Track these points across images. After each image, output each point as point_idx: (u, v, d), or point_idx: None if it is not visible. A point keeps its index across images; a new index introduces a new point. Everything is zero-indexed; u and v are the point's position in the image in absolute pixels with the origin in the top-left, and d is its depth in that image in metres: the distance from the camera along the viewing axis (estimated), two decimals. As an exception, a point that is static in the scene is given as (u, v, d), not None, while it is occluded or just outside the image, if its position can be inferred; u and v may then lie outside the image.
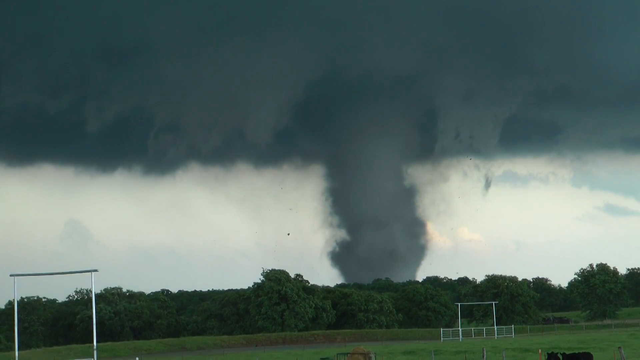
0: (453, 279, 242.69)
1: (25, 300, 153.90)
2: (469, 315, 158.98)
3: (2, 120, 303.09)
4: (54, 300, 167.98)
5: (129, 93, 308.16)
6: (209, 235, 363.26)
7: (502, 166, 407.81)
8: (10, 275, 64.36)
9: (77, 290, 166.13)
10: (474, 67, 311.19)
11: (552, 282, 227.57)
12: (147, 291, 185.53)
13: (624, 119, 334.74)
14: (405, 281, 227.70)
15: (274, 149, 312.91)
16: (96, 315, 73.49)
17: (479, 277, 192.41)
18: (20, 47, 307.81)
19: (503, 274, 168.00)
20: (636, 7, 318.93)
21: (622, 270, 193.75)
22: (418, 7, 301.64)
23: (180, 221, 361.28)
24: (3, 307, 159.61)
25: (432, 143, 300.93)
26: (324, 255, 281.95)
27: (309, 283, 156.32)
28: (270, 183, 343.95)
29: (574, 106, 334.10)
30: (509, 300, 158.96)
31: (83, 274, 67.20)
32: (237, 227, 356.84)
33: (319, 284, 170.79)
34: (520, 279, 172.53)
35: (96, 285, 65.32)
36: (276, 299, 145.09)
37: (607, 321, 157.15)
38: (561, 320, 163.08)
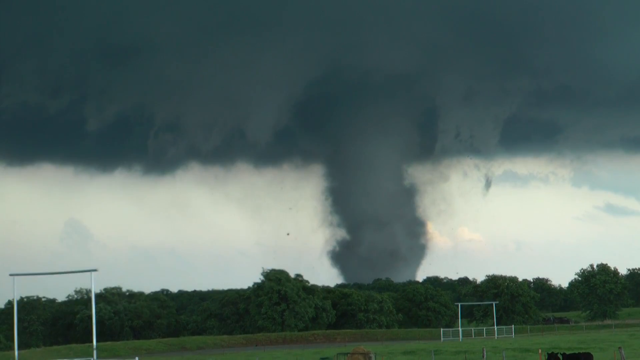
0: (453, 279, 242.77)
1: (25, 299, 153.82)
2: (469, 315, 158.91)
3: (2, 119, 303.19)
4: (54, 300, 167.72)
5: (129, 92, 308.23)
6: (209, 235, 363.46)
7: (502, 166, 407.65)
8: (10, 275, 64.40)
9: (77, 289, 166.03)
10: (474, 67, 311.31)
11: (553, 282, 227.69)
12: (147, 291, 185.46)
13: (624, 118, 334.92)
14: (405, 281, 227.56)
15: (274, 148, 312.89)
16: (96, 315, 73.45)
17: (479, 277, 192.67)
18: (20, 46, 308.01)
19: (503, 274, 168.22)
20: (636, 7, 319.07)
21: (623, 271, 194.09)
22: (418, 7, 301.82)
23: (180, 221, 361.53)
24: (3, 306, 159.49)
25: (432, 143, 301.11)
26: (324, 255, 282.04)
27: (309, 283, 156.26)
28: (270, 183, 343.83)
29: (574, 106, 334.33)
30: (509, 301, 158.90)
31: (83, 273, 67.13)
32: (237, 226, 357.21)
33: (319, 283, 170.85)
34: (520, 279, 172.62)
35: (96, 284, 65.32)
36: (276, 299, 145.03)
37: (608, 321, 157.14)
38: (561, 321, 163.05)
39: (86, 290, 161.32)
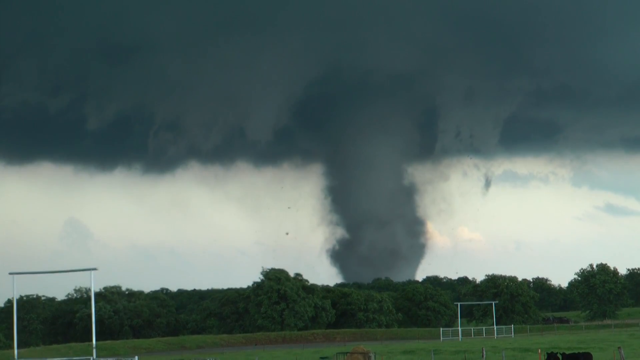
0: (453, 278, 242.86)
1: (25, 298, 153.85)
2: (469, 315, 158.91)
3: (2, 118, 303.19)
4: (53, 299, 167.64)
5: (129, 92, 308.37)
6: (209, 234, 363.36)
7: (502, 166, 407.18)
8: (10, 274, 64.39)
9: (77, 288, 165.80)
10: (474, 67, 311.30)
11: (552, 282, 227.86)
12: (147, 290, 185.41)
13: (624, 118, 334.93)
14: (405, 281, 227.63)
15: (274, 147, 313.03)
16: (95, 314, 73.44)
17: (479, 277, 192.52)
18: (20, 45, 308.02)
19: (503, 273, 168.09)
20: (636, 7, 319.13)
21: (622, 271, 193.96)
22: (418, 7, 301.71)
23: (180, 220, 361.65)
24: (2, 305, 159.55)
25: (432, 142, 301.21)
26: (324, 254, 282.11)
27: (308, 282, 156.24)
28: (270, 182, 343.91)
29: (574, 106, 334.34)
30: (508, 300, 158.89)
31: (82, 272, 67.11)
32: (236, 226, 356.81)
33: (319, 283, 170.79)
34: (520, 278, 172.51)
35: (95, 283, 65.28)
36: (276, 298, 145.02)
37: (607, 321, 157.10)
38: (561, 320, 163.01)
39: (86, 289, 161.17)
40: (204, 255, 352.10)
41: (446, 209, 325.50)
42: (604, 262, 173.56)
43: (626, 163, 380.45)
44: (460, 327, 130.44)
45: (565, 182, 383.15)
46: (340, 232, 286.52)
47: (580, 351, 64.24)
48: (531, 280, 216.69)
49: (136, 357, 66.23)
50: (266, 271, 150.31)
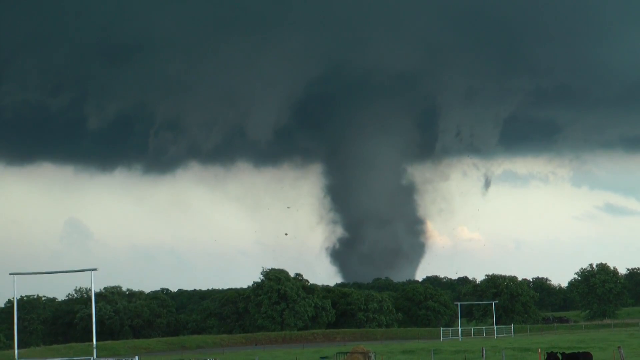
0: (453, 278, 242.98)
1: (25, 298, 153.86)
2: (469, 314, 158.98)
3: (3, 118, 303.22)
4: (54, 299, 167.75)
5: (130, 91, 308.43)
6: (209, 234, 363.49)
7: (502, 165, 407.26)
8: (10, 274, 64.41)
9: (77, 288, 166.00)
10: (474, 66, 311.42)
11: (552, 282, 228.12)
12: (147, 290, 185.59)
13: (623, 118, 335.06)
14: (405, 280, 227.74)
15: (274, 147, 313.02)
16: (96, 314, 73.52)
17: (479, 277, 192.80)
18: (21, 44, 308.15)
19: (503, 273, 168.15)
20: (636, 7, 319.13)
21: (622, 270, 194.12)
22: (419, 6, 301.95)
23: (180, 220, 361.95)
24: (3, 305, 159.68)
25: (432, 142, 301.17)
26: (324, 254, 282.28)
27: (308, 282, 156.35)
28: (270, 181, 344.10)
29: (573, 105, 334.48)
30: (508, 300, 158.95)
31: (83, 272, 67.16)
32: (236, 226, 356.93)
33: (318, 282, 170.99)
34: (520, 278, 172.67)
35: (96, 284, 65.38)
36: (276, 298, 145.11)
37: (607, 321, 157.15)
38: (561, 320, 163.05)
39: (86, 289, 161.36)
40: (204, 255, 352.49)
41: (446, 208, 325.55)
42: (603, 262, 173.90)
43: (626, 163, 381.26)
44: (460, 326, 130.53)
45: (565, 182, 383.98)
46: (340, 232, 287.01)
47: (580, 351, 64.26)
48: (531, 280, 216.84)
49: (136, 357, 66.27)
50: (266, 271, 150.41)
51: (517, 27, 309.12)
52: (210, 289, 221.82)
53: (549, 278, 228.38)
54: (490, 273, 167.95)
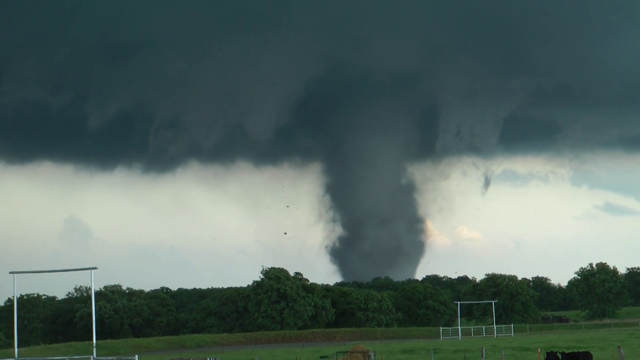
0: (452, 277, 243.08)
1: (25, 297, 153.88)
2: (469, 314, 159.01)
3: (3, 116, 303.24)
4: (54, 298, 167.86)
5: (130, 90, 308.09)
6: (209, 233, 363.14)
7: (501, 165, 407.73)
8: (10, 273, 64.40)
9: (77, 287, 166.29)
10: (475, 66, 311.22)
11: (552, 281, 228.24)
12: (147, 289, 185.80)
13: (623, 118, 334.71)
14: (404, 280, 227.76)
15: (274, 146, 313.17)
16: (96, 313, 73.52)
17: (479, 276, 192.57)
18: (21, 43, 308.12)
19: (502, 272, 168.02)
20: (636, 7, 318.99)
21: (622, 270, 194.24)
22: (419, 5, 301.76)
23: (180, 219, 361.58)
24: (2, 304, 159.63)
25: (433, 141, 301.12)
26: (324, 253, 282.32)
27: (308, 281, 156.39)
28: (270, 181, 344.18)
29: (573, 105, 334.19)
30: (508, 299, 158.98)
31: (83, 271, 67.16)
32: (236, 225, 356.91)
33: (318, 281, 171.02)
34: (519, 277, 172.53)
35: (96, 282, 65.35)
36: (275, 297, 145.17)
37: (607, 320, 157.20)
38: (560, 320, 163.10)
39: (86, 288, 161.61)
40: (204, 254, 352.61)
41: (446, 207, 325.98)
42: (603, 262, 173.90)
43: (625, 162, 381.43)
44: (460, 326, 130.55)
45: (565, 182, 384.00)
46: (340, 231, 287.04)
47: (580, 350, 64.28)
48: (531, 279, 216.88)
49: (136, 356, 66.27)
50: (266, 270, 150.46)
51: (517, 27, 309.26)
52: (210, 288, 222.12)
53: (549, 277, 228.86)
54: (490, 272, 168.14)
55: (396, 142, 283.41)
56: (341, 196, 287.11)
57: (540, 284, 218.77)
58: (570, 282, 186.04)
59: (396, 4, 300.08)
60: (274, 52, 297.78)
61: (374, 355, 71.34)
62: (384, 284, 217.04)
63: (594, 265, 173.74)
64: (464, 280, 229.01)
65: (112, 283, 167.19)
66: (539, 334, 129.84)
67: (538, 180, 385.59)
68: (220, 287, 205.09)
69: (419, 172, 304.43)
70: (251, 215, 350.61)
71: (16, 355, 68.64)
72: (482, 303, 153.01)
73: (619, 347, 62.83)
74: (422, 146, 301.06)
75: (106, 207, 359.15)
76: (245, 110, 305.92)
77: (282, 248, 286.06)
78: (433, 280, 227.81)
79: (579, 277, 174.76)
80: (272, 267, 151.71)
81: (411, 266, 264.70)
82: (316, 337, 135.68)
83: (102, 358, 70.43)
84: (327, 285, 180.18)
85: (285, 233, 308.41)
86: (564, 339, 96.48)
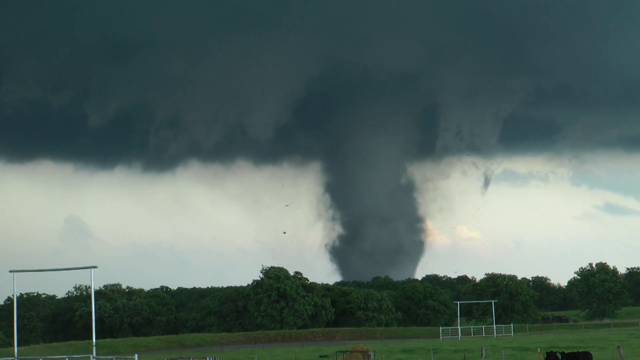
0: (452, 277, 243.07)
1: (25, 296, 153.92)
2: (468, 313, 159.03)
3: (3, 115, 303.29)
4: (53, 297, 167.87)
5: (131, 89, 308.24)
6: (209, 232, 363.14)
7: (501, 164, 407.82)
8: (10, 271, 64.43)
9: (77, 286, 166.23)
10: (475, 66, 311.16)
11: (552, 281, 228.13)
12: (147, 288, 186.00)
13: (623, 117, 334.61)
14: (404, 279, 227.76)
15: (274, 145, 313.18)
16: (95, 312, 73.57)
17: (478, 276, 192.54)
18: (22, 42, 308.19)
19: (502, 272, 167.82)
20: (636, 7, 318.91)
21: (622, 270, 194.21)
22: (420, 5, 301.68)
23: (180, 218, 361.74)
24: (2, 303, 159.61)
25: (433, 141, 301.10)
26: (323, 252, 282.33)
27: (308, 281, 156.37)
28: (270, 180, 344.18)
29: (573, 105, 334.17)
30: (508, 299, 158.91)
31: (82, 270, 67.17)
32: (236, 224, 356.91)
33: (318, 281, 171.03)
34: (519, 277, 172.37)
35: (95, 281, 65.28)
36: (275, 297, 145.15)
37: (607, 320, 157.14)
38: (560, 319, 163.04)
39: (86, 287, 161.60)
40: (204, 254, 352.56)
41: (446, 207, 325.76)
42: (603, 261, 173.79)
43: (625, 162, 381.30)
44: (460, 326, 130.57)
45: (565, 182, 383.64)
46: (340, 230, 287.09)
47: (580, 350, 64.28)
48: (530, 279, 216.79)
49: (136, 356, 66.24)
50: (266, 269, 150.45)
51: (517, 27, 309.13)
52: (209, 287, 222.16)
53: (549, 277, 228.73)
54: (490, 272, 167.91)
55: (396, 141, 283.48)
56: (341, 195, 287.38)
57: (540, 283, 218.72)
58: (570, 282, 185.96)
59: (396, 3, 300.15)
60: (274, 51, 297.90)
61: (374, 354, 71.35)
62: (383, 284, 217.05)
63: (593, 265, 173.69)
64: (463, 280, 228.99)
65: (111, 282, 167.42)
66: (538, 334, 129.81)
67: (538, 180, 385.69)
68: (220, 287, 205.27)
69: (419, 171, 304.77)
70: (251, 214, 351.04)
71: (16, 354, 68.66)
72: (482, 303, 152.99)
73: (618, 347, 62.84)
74: (422, 146, 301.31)
75: (106, 206, 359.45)
76: (245, 109, 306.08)
77: (282, 247, 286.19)
78: (433, 279, 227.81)
79: (579, 277, 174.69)
80: (271, 267, 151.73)
81: (411, 266, 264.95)
82: (316, 336, 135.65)
83: (101, 357, 70.47)
84: (327, 284, 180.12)
85: (284, 232, 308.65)
86: (564, 339, 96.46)
